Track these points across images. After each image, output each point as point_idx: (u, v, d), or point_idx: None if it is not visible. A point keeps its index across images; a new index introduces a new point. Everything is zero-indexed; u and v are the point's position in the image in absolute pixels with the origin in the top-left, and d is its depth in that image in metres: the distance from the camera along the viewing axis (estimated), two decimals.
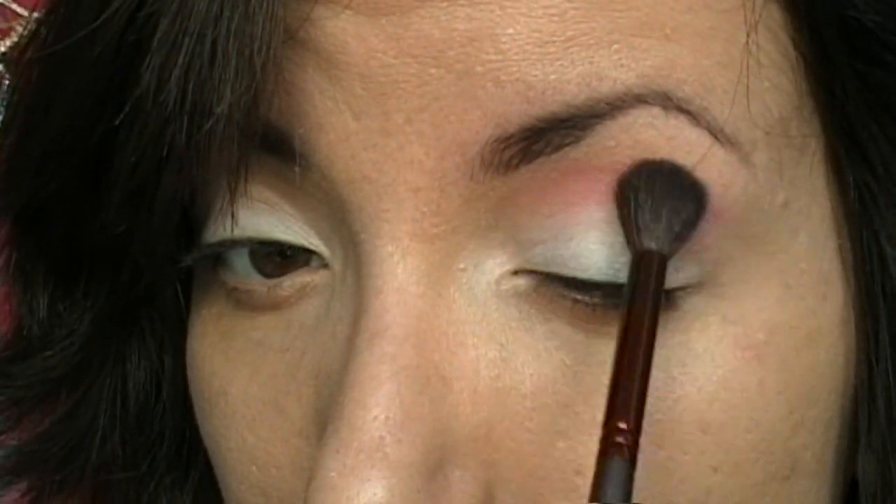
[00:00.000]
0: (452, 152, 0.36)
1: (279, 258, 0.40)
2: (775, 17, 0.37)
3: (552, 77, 0.35)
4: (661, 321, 0.37)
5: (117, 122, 0.36)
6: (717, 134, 0.36)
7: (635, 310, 0.35)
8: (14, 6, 0.44)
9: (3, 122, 0.43)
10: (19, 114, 0.42)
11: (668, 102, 0.36)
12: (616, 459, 0.34)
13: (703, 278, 0.37)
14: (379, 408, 0.36)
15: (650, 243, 0.36)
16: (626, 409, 0.35)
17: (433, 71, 0.35)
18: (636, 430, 0.34)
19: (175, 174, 0.36)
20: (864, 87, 0.38)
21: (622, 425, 0.34)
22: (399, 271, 0.37)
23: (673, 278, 0.36)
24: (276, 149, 0.37)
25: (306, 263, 0.40)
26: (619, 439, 0.34)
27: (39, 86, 0.40)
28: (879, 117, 0.38)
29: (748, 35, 0.36)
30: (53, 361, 0.46)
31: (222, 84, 0.35)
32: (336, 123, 0.36)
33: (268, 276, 0.40)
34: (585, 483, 0.37)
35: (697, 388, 0.37)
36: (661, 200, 0.36)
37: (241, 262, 0.40)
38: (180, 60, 0.35)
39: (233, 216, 0.38)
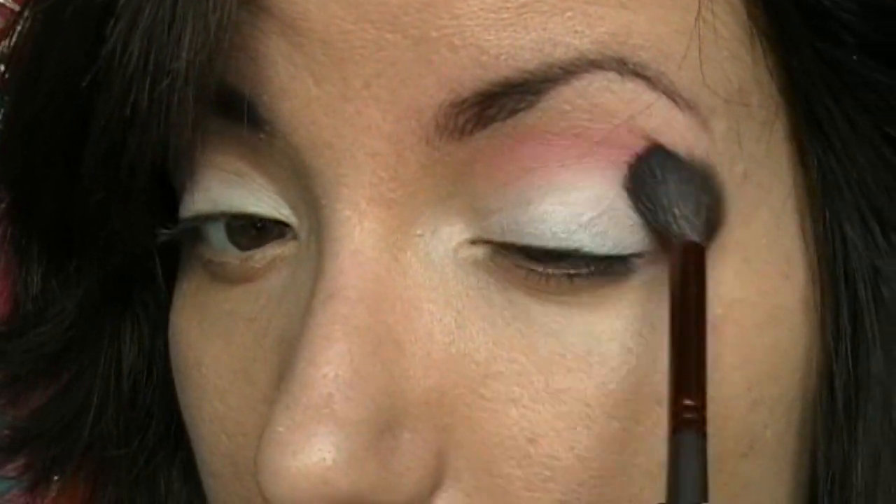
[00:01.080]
0: (408, 117, 0.36)
1: (254, 231, 0.41)
2: None
3: (506, 42, 0.36)
4: (618, 291, 0.37)
5: (85, 85, 0.37)
6: (674, 98, 0.36)
7: (687, 295, 0.36)
8: (14, 6, 0.45)
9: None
10: (10, 86, 0.43)
11: (624, 67, 0.36)
12: (687, 434, 0.35)
13: (658, 246, 0.37)
14: (329, 366, 0.36)
15: (692, 234, 0.37)
16: (690, 386, 0.35)
17: (389, 36, 0.36)
18: (702, 406, 0.35)
19: (139, 135, 0.37)
20: (822, 64, 0.38)
21: (689, 402, 0.35)
22: (356, 234, 0.37)
23: (633, 241, 0.37)
24: (244, 117, 0.38)
25: (280, 236, 0.40)
26: (688, 415, 0.35)
27: (25, 57, 0.42)
28: (838, 95, 0.38)
29: (699, 3, 0.36)
30: (46, 337, 0.47)
31: (179, 44, 0.36)
32: (298, 90, 0.37)
33: (243, 248, 0.41)
34: (537, 451, 0.37)
35: (652, 359, 0.37)
36: (693, 191, 0.37)
37: (217, 236, 0.41)
38: (142, 23, 0.36)
39: (193, 175, 0.39)
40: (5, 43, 0.44)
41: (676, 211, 0.37)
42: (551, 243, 0.37)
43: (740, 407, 0.38)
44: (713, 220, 0.37)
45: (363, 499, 0.36)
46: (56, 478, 0.49)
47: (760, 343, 0.38)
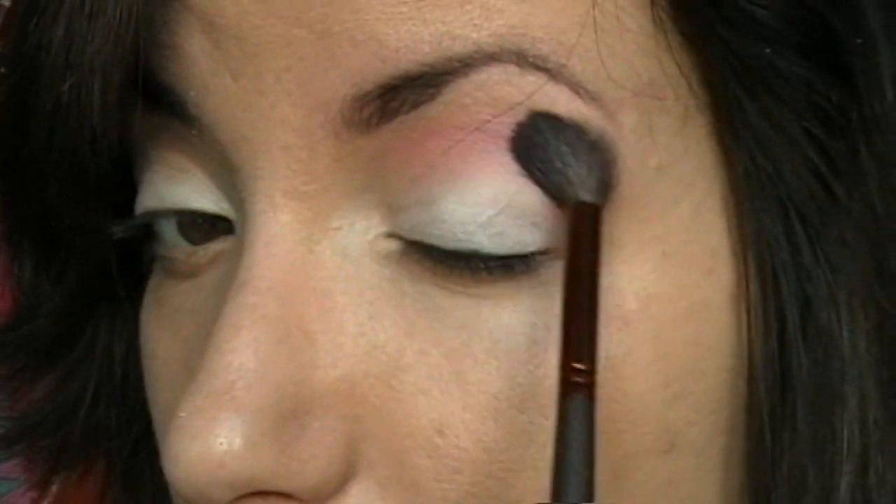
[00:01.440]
0: (317, 110, 0.37)
1: (204, 227, 0.42)
2: None
3: (405, 36, 0.36)
4: (523, 286, 0.37)
5: (14, 80, 0.39)
6: (577, 90, 0.36)
7: (579, 258, 0.36)
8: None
9: None
10: None
11: (524, 60, 0.36)
12: (577, 398, 0.34)
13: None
14: (234, 354, 0.37)
15: (586, 195, 0.36)
16: (580, 350, 0.35)
17: (296, 31, 0.37)
18: (592, 370, 0.35)
19: (62, 128, 0.38)
20: (735, 58, 0.37)
21: (579, 366, 0.35)
22: (270, 226, 0.38)
23: (534, 238, 0.37)
24: (177, 112, 0.39)
25: (226, 232, 0.41)
26: (578, 379, 0.35)
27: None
28: (754, 90, 0.37)
29: None
30: (40, 331, 0.49)
31: (92, 39, 0.37)
32: (219, 85, 0.38)
33: (195, 243, 0.42)
34: (446, 442, 0.37)
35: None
36: (584, 152, 0.36)
37: (169, 231, 0.42)
38: (61, 18, 0.37)
39: (143, 171, 0.40)
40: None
41: (569, 172, 0.36)
42: (451, 244, 0.37)
43: (657, 402, 0.38)
44: (606, 181, 0.37)
45: (262, 484, 0.37)
46: (55, 478, 0.51)
47: (679, 338, 0.38)
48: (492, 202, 0.37)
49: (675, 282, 0.38)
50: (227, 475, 0.36)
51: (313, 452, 0.37)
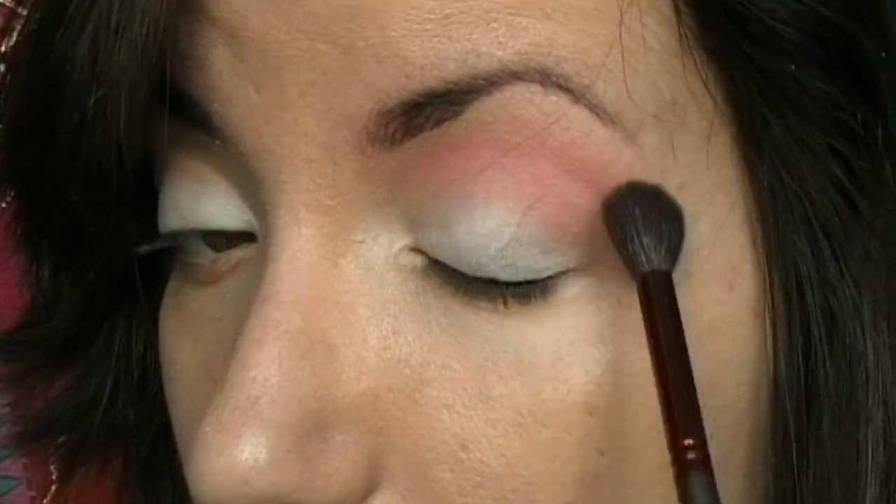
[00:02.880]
0: (341, 125, 0.37)
1: (228, 235, 0.42)
2: (665, 0, 0.37)
3: (430, 53, 0.36)
4: (546, 304, 0.37)
5: (42, 92, 0.39)
6: (597, 112, 0.36)
7: (662, 328, 0.36)
8: (13, 6, 0.47)
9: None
10: (7, 90, 0.45)
11: (547, 79, 0.36)
12: (695, 474, 0.34)
13: (590, 260, 0.37)
14: (258, 369, 0.37)
15: (658, 263, 0.36)
16: (687, 427, 0.35)
17: (321, 46, 0.37)
18: (703, 444, 0.35)
19: (87, 140, 0.38)
20: (760, 74, 0.37)
21: (688, 442, 0.35)
22: (294, 240, 0.38)
23: (548, 264, 0.37)
24: (201, 123, 0.39)
25: (248, 240, 0.41)
26: (691, 455, 0.34)
27: (15, 62, 0.44)
28: (778, 106, 0.37)
29: (622, 15, 0.36)
30: (57, 330, 0.49)
31: (118, 53, 0.37)
32: (242, 97, 0.38)
33: (219, 250, 0.42)
34: (469, 456, 0.38)
35: (585, 370, 0.37)
36: (658, 222, 0.36)
37: (193, 243, 0.42)
38: (87, 32, 0.37)
39: (166, 182, 0.40)
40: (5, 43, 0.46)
41: (643, 240, 0.36)
42: (468, 271, 0.37)
43: None
44: (675, 248, 0.37)
45: (286, 499, 0.37)
46: (54, 478, 0.51)
47: (700, 354, 0.38)
48: (498, 235, 0.37)
49: (696, 298, 0.38)
50: (252, 491, 0.36)
51: (336, 467, 0.37)
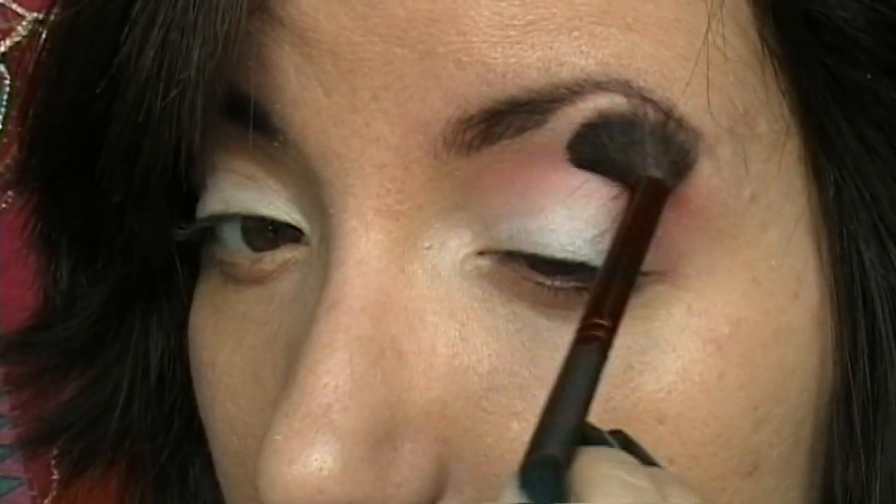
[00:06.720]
0: (415, 130, 0.37)
1: (269, 233, 0.41)
2: (743, 10, 0.37)
3: (512, 60, 0.36)
4: (628, 307, 0.37)
5: (101, 91, 0.38)
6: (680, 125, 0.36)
7: (635, 225, 0.36)
8: (15, 6, 0.46)
9: (26, 95, 0.45)
10: (39, 86, 0.44)
11: (630, 90, 0.36)
12: (588, 348, 0.34)
13: (666, 267, 0.37)
14: (329, 375, 0.36)
15: (656, 172, 0.36)
16: (608, 306, 0.35)
17: (397, 50, 0.36)
18: (613, 328, 0.34)
19: (151, 141, 0.37)
20: (834, 83, 0.37)
21: (601, 321, 0.34)
22: (361, 245, 0.37)
23: None
24: (258, 124, 0.39)
25: (293, 240, 0.41)
26: (597, 333, 0.34)
27: (50, 58, 0.43)
28: (851, 115, 0.37)
29: (708, 26, 0.36)
30: (74, 331, 0.48)
31: (190, 53, 0.36)
32: (309, 99, 0.37)
33: (257, 250, 0.41)
34: None
35: (655, 377, 0.37)
36: (666, 135, 0.36)
37: (232, 236, 0.42)
38: (156, 31, 0.36)
39: (209, 178, 0.39)
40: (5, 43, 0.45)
41: (646, 147, 0.36)
42: (559, 254, 0.37)
43: (744, 426, 0.38)
44: (680, 163, 0.37)
45: None
46: (55, 477, 0.50)
47: (765, 362, 0.38)
48: (598, 222, 0.36)
49: (762, 306, 0.38)
50: (326, 500, 0.36)
51: (406, 476, 0.37)
